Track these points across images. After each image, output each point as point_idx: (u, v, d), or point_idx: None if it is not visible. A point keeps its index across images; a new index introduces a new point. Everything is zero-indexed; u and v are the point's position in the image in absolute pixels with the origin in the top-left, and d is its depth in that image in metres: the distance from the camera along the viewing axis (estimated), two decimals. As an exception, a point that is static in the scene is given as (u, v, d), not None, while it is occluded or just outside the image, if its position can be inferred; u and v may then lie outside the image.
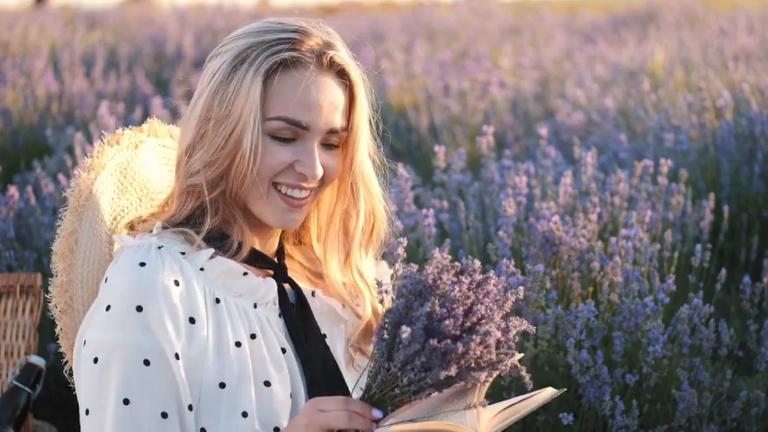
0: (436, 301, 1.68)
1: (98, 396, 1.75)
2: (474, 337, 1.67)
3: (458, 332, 1.67)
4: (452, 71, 6.94)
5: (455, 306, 1.68)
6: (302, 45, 1.86)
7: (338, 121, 1.87)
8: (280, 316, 1.90)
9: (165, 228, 1.87)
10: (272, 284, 1.89)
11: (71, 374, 1.90)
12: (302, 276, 1.99)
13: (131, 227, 1.93)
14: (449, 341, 1.66)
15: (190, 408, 1.78)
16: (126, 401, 1.74)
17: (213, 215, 1.86)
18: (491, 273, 1.74)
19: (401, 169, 3.59)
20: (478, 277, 1.72)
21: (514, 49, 8.23)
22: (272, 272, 1.93)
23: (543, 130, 4.10)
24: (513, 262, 2.81)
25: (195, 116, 1.86)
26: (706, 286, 3.15)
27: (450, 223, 3.57)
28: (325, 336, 1.94)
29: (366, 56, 7.53)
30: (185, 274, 1.80)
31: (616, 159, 4.55)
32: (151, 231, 1.87)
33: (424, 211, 3.19)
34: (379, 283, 1.80)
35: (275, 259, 1.95)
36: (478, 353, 1.68)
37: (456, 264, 1.72)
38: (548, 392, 1.82)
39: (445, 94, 6.35)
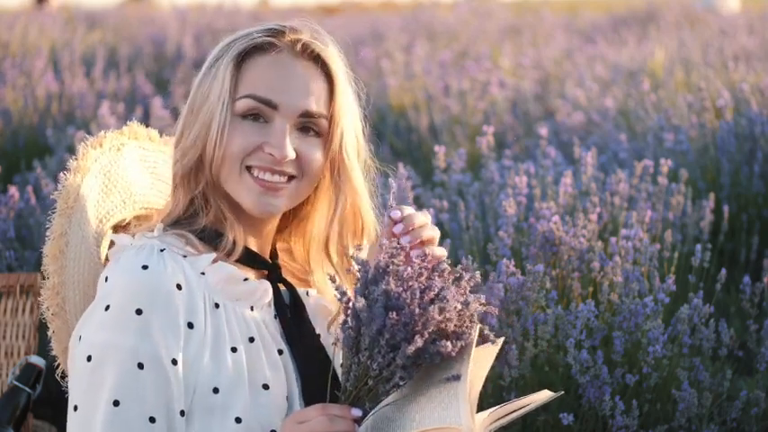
0: (391, 280, 1.70)
1: (89, 394, 1.75)
2: (432, 305, 1.69)
3: (416, 305, 1.69)
4: (452, 71, 6.94)
5: (411, 283, 1.71)
6: (283, 36, 1.87)
7: (313, 105, 1.86)
8: (275, 317, 1.90)
9: (165, 229, 1.87)
10: (268, 286, 1.89)
11: (63, 377, 1.91)
12: (291, 276, 1.99)
13: (116, 230, 1.93)
14: (407, 312, 1.68)
15: (182, 413, 1.78)
16: (116, 403, 1.74)
17: (207, 212, 1.87)
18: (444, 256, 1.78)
19: (401, 169, 3.60)
20: (430, 259, 1.76)
21: (514, 49, 8.22)
22: (266, 272, 1.93)
23: (543, 130, 4.10)
24: (513, 262, 2.81)
25: (183, 111, 1.91)
26: (706, 286, 3.15)
27: (451, 223, 3.57)
28: (319, 335, 1.94)
29: (366, 56, 7.54)
30: (187, 278, 1.80)
31: (616, 159, 4.55)
32: (152, 231, 1.87)
33: (425, 211, 3.19)
34: (332, 279, 1.81)
35: (269, 260, 1.95)
36: (439, 318, 1.70)
37: (405, 246, 1.75)
38: (544, 395, 1.81)
39: (445, 94, 6.34)
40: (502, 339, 1.82)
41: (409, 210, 1.88)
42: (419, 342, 1.68)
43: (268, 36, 1.87)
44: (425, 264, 1.75)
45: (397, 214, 1.86)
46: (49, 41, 8.41)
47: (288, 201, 1.89)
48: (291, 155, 1.85)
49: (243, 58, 1.86)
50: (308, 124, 1.87)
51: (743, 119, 4.45)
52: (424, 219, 1.88)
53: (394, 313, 1.68)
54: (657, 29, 9.39)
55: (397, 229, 1.85)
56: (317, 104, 1.87)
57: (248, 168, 1.85)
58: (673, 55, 6.91)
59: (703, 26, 9.21)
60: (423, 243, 1.86)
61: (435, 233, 1.88)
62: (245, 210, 1.87)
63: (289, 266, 2.00)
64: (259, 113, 1.85)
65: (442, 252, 1.87)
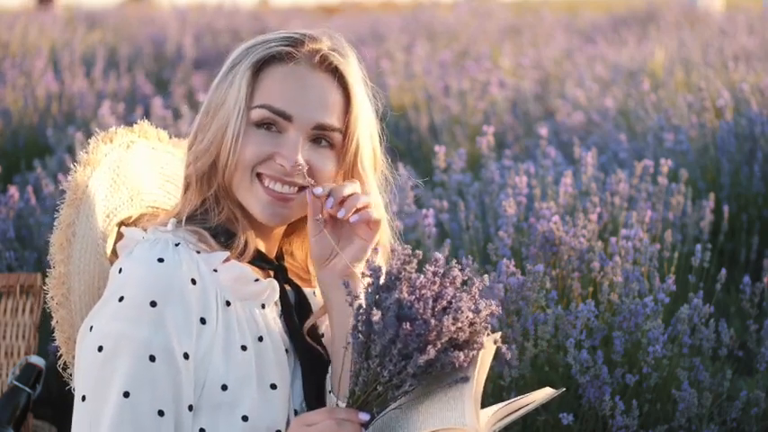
0: (404, 289, 1.70)
1: (99, 385, 1.76)
2: (446, 316, 1.68)
3: (429, 314, 1.68)
4: (452, 71, 6.94)
5: (423, 291, 1.70)
6: (302, 46, 1.87)
7: (327, 118, 1.86)
8: (280, 317, 1.90)
9: (178, 225, 1.87)
10: (275, 286, 1.90)
11: (65, 368, 1.91)
12: (297, 277, 1.99)
13: (123, 226, 1.94)
14: (421, 322, 1.67)
15: (190, 408, 1.78)
16: (126, 394, 1.74)
17: (218, 213, 1.87)
18: (453, 262, 1.76)
19: (402, 169, 3.60)
20: (442, 267, 1.74)
21: (514, 49, 8.22)
22: (271, 273, 1.93)
23: (543, 130, 4.10)
24: (512, 262, 2.81)
25: (199, 114, 1.91)
26: (706, 286, 3.15)
27: (451, 223, 3.57)
28: (323, 335, 1.94)
29: (366, 56, 7.52)
30: (201, 274, 1.81)
31: (616, 159, 4.55)
32: (164, 226, 1.87)
33: (424, 211, 3.19)
34: (345, 284, 1.80)
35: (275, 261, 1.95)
36: (452, 330, 1.69)
37: (418, 252, 1.74)
38: (546, 392, 1.81)
39: (445, 94, 6.34)
40: (498, 334, 1.81)
41: (331, 185, 1.87)
42: (432, 353, 1.68)
43: (287, 45, 1.86)
44: (437, 269, 1.74)
45: (319, 191, 1.85)
46: (49, 41, 8.41)
47: (298, 210, 1.89)
48: (303, 167, 1.85)
49: (260, 67, 1.86)
50: (320, 136, 1.87)
51: (743, 119, 4.45)
52: (352, 188, 1.87)
53: (407, 324, 1.67)
54: (657, 29, 9.39)
55: (329, 204, 1.84)
56: (330, 118, 1.87)
57: (259, 176, 1.85)
58: (673, 55, 6.91)
59: (703, 26, 9.21)
60: (358, 211, 1.86)
61: (369, 199, 1.87)
62: (253, 216, 1.88)
63: (292, 267, 2.00)
64: (273, 123, 1.85)
65: (378, 216, 1.87)
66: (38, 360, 2.44)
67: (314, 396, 1.87)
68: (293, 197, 1.87)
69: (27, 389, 2.41)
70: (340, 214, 1.84)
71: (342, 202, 1.84)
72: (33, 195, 3.76)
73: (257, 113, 1.85)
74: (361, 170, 1.91)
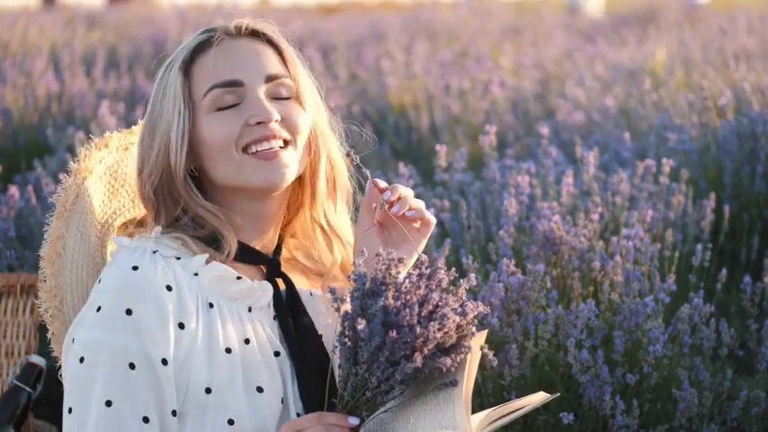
0: (390, 295, 1.69)
1: (81, 396, 1.76)
2: (432, 323, 1.68)
3: (415, 321, 1.68)
4: (453, 71, 6.94)
5: (408, 297, 1.70)
6: (216, 31, 1.89)
7: (273, 68, 1.88)
8: (275, 318, 1.89)
9: (163, 232, 1.86)
10: (267, 288, 1.88)
11: None
12: (302, 276, 1.98)
13: (126, 228, 1.93)
14: (407, 330, 1.67)
15: (174, 413, 1.78)
16: (108, 403, 1.74)
17: (199, 228, 1.86)
18: (439, 263, 1.76)
19: (402, 168, 3.60)
20: (427, 269, 1.74)
21: (515, 48, 8.22)
22: (265, 268, 1.92)
23: (544, 130, 4.10)
24: (513, 261, 2.80)
25: (137, 146, 1.89)
26: (706, 286, 3.15)
27: (452, 222, 3.57)
28: (321, 335, 1.93)
29: (366, 56, 7.53)
30: (178, 280, 1.80)
31: (617, 159, 4.55)
32: (150, 233, 1.86)
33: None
34: (332, 291, 1.78)
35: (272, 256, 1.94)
36: (439, 337, 1.69)
37: (402, 258, 1.74)
38: (540, 396, 1.81)
39: (446, 93, 6.34)
40: (484, 334, 1.81)
41: (383, 183, 1.93)
42: (418, 361, 1.68)
43: (201, 35, 1.89)
44: (422, 271, 1.74)
45: (382, 182, 1.91)
46: (49, 41, 8.41)
47: (293, 166, 1.87)
48: (277, 115, 1.85)
49: (188, 67, 1.86)
50: (277, 88, 1.87)
51: (744, 118, 4.44)
52: (406, 190, 1.93)
53: (394, 332, 1.67)
54: (657, 28, 9.39)
55: (386, 196, 1.89)
56: (276, 67, 1.88)
57: (244, 150, 1.85)
58: (673, 54, 6.92)
59: (703, 26, 9.22)
60: (411, 210, 1.91)
61: (421, 203, 1.93)
62: (257, 189, 1.86)
63: (300, 264, 1.98)
64: (229, 97, 1.84)
65: (431, 217, 1.92)
66: (38, 359, 2.44)
67: (315, 399, 1.86)
68: (282, 150, 1.85)
69: (27, 388, 2.41)
70: (395, 209, 1.89)
71: (392, 203, 1.90)
72: (34, 195, 3.76)
73: (209, 99, 1.84)
74: (310, 108, 1.90)
